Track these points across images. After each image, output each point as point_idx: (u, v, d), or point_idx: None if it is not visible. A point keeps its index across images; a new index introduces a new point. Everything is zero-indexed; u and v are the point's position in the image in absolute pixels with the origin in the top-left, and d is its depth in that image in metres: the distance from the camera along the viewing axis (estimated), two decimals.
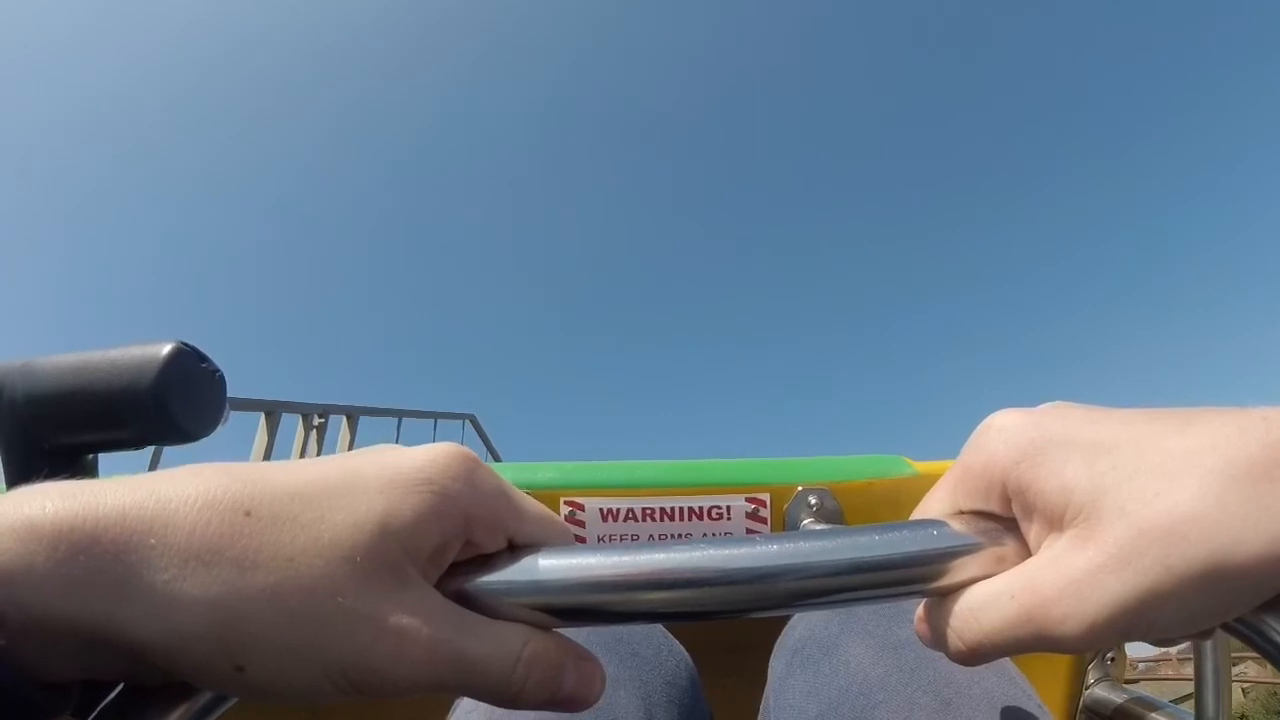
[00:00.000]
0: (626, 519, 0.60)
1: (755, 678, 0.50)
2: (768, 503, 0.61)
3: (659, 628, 0.47)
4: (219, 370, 0.36)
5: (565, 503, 0.59)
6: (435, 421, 6.33)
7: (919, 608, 0.27)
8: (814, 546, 0.24)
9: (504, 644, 0.23)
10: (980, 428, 0.26)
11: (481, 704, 0.38)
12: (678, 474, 0.62)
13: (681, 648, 0.48)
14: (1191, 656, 0.52)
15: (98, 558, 0.19)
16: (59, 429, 0.34)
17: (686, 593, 0.23)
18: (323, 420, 4.95)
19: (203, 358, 0.35)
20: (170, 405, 0.33)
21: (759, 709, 0.49)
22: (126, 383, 0.33)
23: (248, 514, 0.21)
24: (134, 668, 0.21)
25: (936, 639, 0.25)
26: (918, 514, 0.28)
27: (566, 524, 0.27)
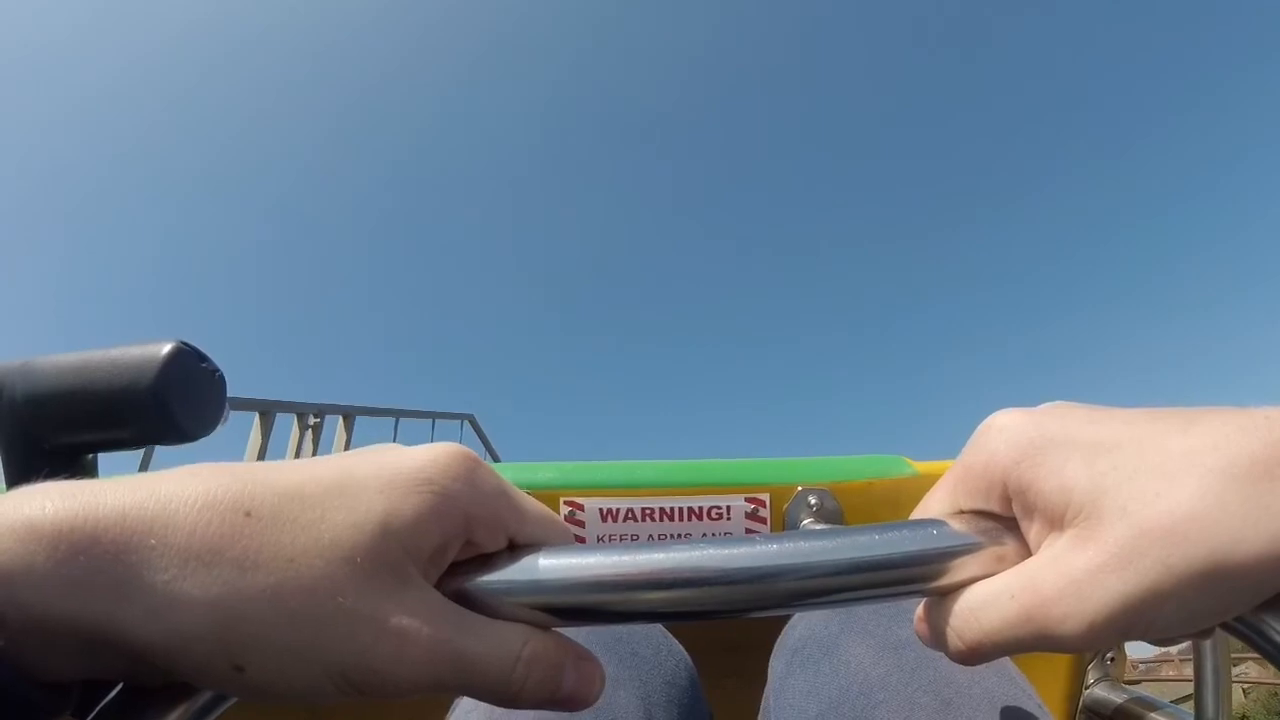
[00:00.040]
0: (626, 519, 0.60)
1: (755, 677, 0.50)
2: (767, 503, 0.61)
3: (658, 627, 0.48)
4: (219, 370, 0.36)
5: (565, 503, 0.59)
6: (433, 421, 6.29)
7: (919, 607, 0.27)
8: (814, 546, 0.24)
9: (504, 644, 0.23)
10: (981, 427, 0.26)
11: (481, 704, 0.38)
12: (677, 474, 0.62)
13: (681, 648, 0.48)
14: (1191, 657, 0.52)
15: (98, 558, 0.19)
16: (59, 429, 0.34)
17: (686, 592, 0.23)
18: (318, 420, 4.90)
19: (203, 357, 0.35)
20: (170, 405, 0.34)
21: (759, 709, 0.49)
22: (127, 382, 0.33)
23: (248, 514, 0.21)
24: (134, 668, 0.21)
25: (936, 639, 0.25)
26: (918, 514, 0.28)
27: (566, 524, 0.27)
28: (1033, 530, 0.24)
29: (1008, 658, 0.42)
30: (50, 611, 0.18)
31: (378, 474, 0.22)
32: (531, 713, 0.37)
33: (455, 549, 0.23)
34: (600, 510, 0.60)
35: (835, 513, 0.61)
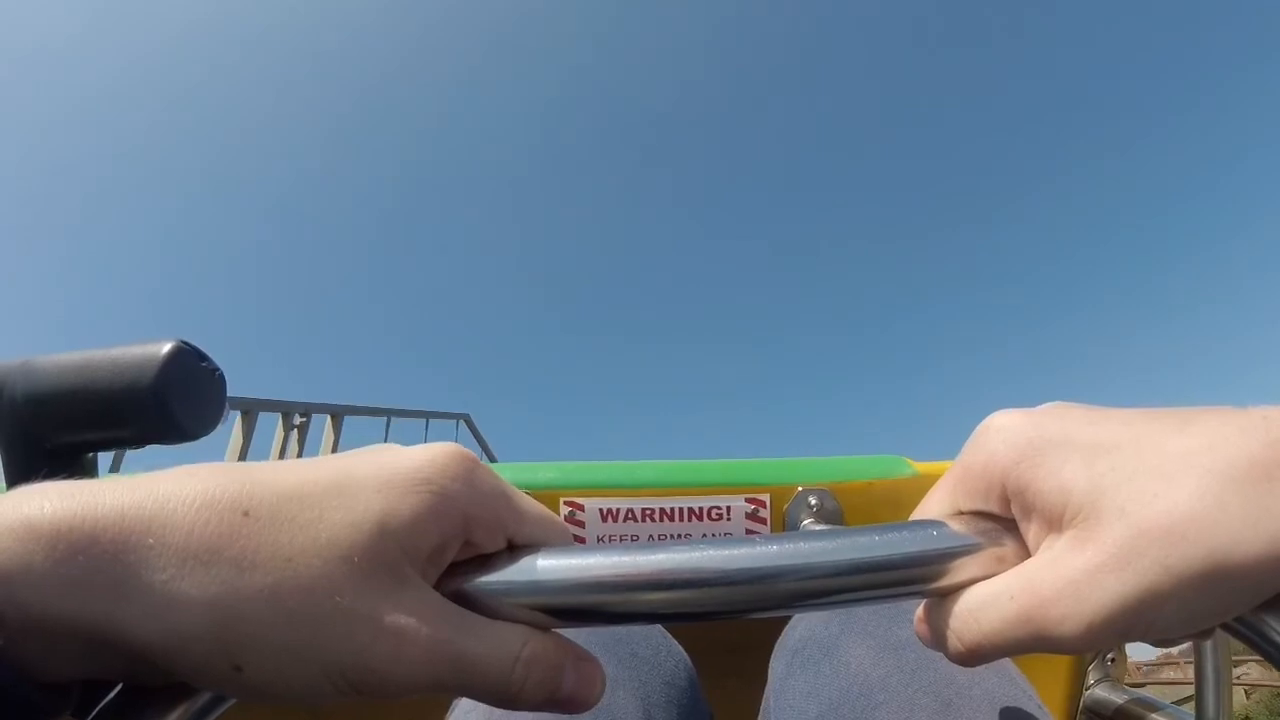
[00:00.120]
0: (626, 519, 0.60)
1: (755, 678, 0.50)
2: (767, 503, 0.61)
3: (658, 628, 0.47)
4: (219, 369, 0.36)
5: (565, 503, 0.59)
6: (427, 421, 6.18)
7: (919, 608, 0.27)
8: (814, 547, 0.24)
9: (503, 644, 0.23)
10: (979, 428, 0.26)
11: (480, 704, 0.38)
12: (677, 474, 0.62)
13: (681, 648, 0.48)
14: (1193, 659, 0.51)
15: (96, 558, 0.19)
16: (59, 428, 0.34)
17: (686, 593, 0.23)
18: (304, 420, 4.78)
19: (203, 357, 0.35)
20: (171, 404, 0.34)
21: (759, 710, 0.49)
22: (127, 382, 0.33)
23: (246, 514, 0.21)
24: (133, 668, 0.21)
25: (936, 639, 0.25)
26: (917, 514, 0.28)
27: (566, 524, 0.27)
28: (1032, 531, 0.24)
29: (1008, 659, 0.42)
30: (49, 611, 0.18)
31: (376, 474, 0.22)
32: (530, 714, 0.37)
33: (454, 549, 0.23)
34: (600, 510, 0.60)
35: (835, 513, 0.61)
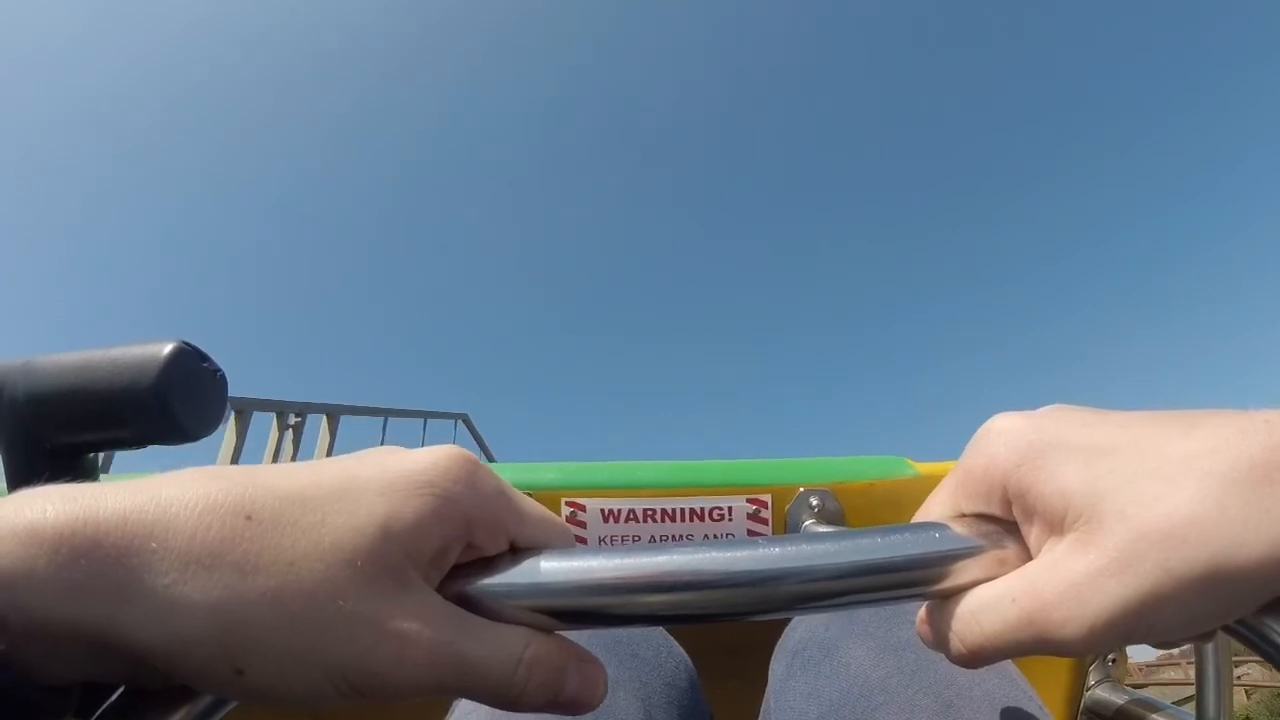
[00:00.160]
0: (628, 520, 0.60)
1: (756, 679, 0.50)
2: (769, 504, 0.61)
3: (659, 630, 0.47)
4: (220, 369, 0.36)
5: (566, 504, 0.59)
6: (425, 421, 6.10)
7: (921, 610, 0.27)
8: (816, 549, 0.24)
9: (505, 646, 0.23)
10: (980, 431, 0.26)
11: (481, 706, 0.38)
12: (679, 475, 0.62)
13: (681, 649, 0.48)
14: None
15: (99, 561, 0.19)
16: (60, 428, 0.34)
17: (688, 595, 0.23)
18: (299, 419, 4.70)
19: (204, 357, 0.35)
20: (172, 404, 0.33)
21: (759, 711, 0.49)
22: (128, 382, 0.33)
23: (248, 518, 0.21)
24: (135, 671, 0.21)
25: (938, 641, 0.25)
26: (919, 517, 0.28)
27: (568, 526, 0.27)
28: (1033, 533, 0.24)
29: (1009, 660, 0.42)
30: (52, 615, 0.18)
31: (378, 477, 0.22)
32: (530, 715, 0.38)
33: (456, 552, 0.23)
34: (602, 511, 0.60)
35: (837, 514, 0.61)
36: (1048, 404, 0.27)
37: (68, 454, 0.35)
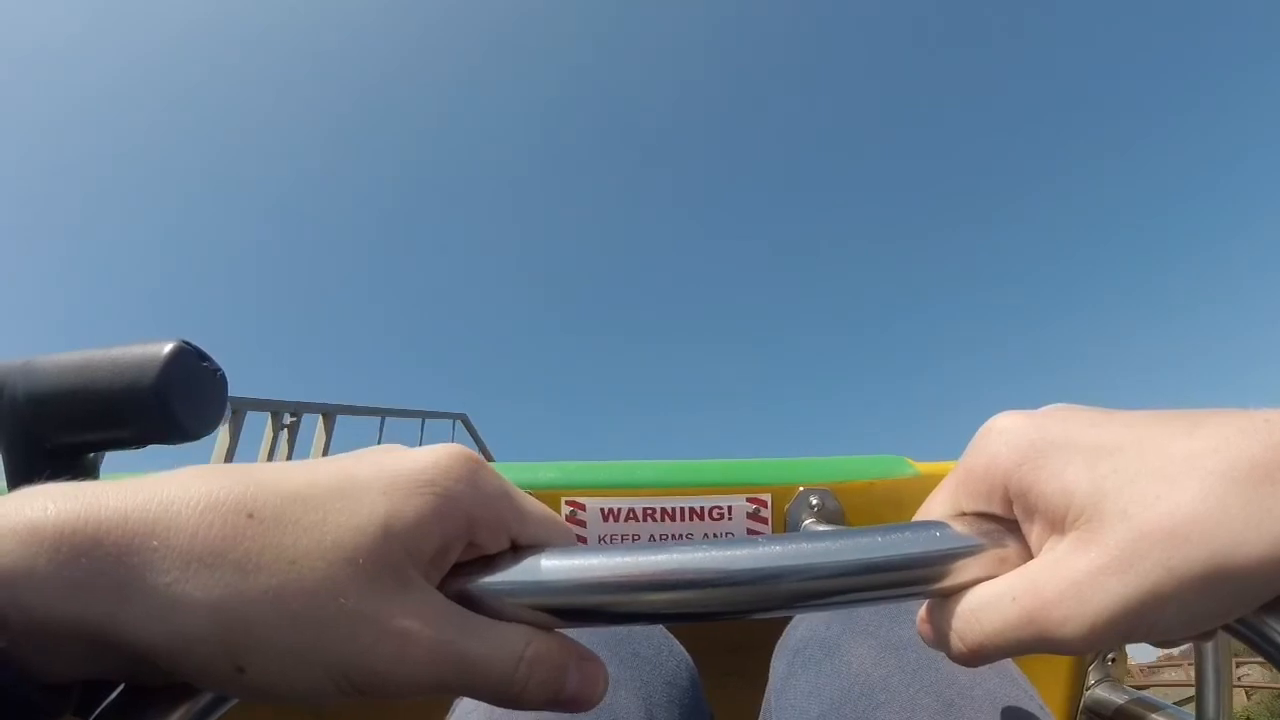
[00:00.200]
0: (628, 519, 0.60)
1: (756, 678, 0.50)
2: (769, 503, 0.61)
3: (660, 628, 0.48)
4: (220, 369, 0.36)
5: (567, 503, 0.60)
6: (423, 421, 6.06)
7: (921, 608, 0.27)
8: (816, 548, 0.24)
9: (506, 644, 0.23)
10: (982, 430, 0.26)
11: (481, 704, 0.38)
12: (679, 474, 0.62)
13: (682, 648, 0.48)
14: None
15: (100, 560, 0.19)
16: (60, 428, 0.34)
17: (689, 594, 0.23)
18: (295, 419, 4.64)
19: (204, 356, 0.35)
20: (172, 404, 0.33)
21: (760, 710, 0.49)
22: (128, 381, 0.33)
23: (250, 516, 0.21)
24: (135, 669, 0.21)
25: (938, 639, 0.25)
26: (920, 515, 0.28)
27: (568, 524, 0.27)
28: (1034, 532, 0.24)
29: (1010, 659, 0.42)
30: (53, 613, 0.18)
31: (379, 476, 0.22)
32: (532, 714, 0.38)
33: (457, 550, 0.23)
34: (602, 510, 0.60)
35: (837, 513, 0.61)
36: (1048, 403, 0.27)
37: (68, 454, 0.35)
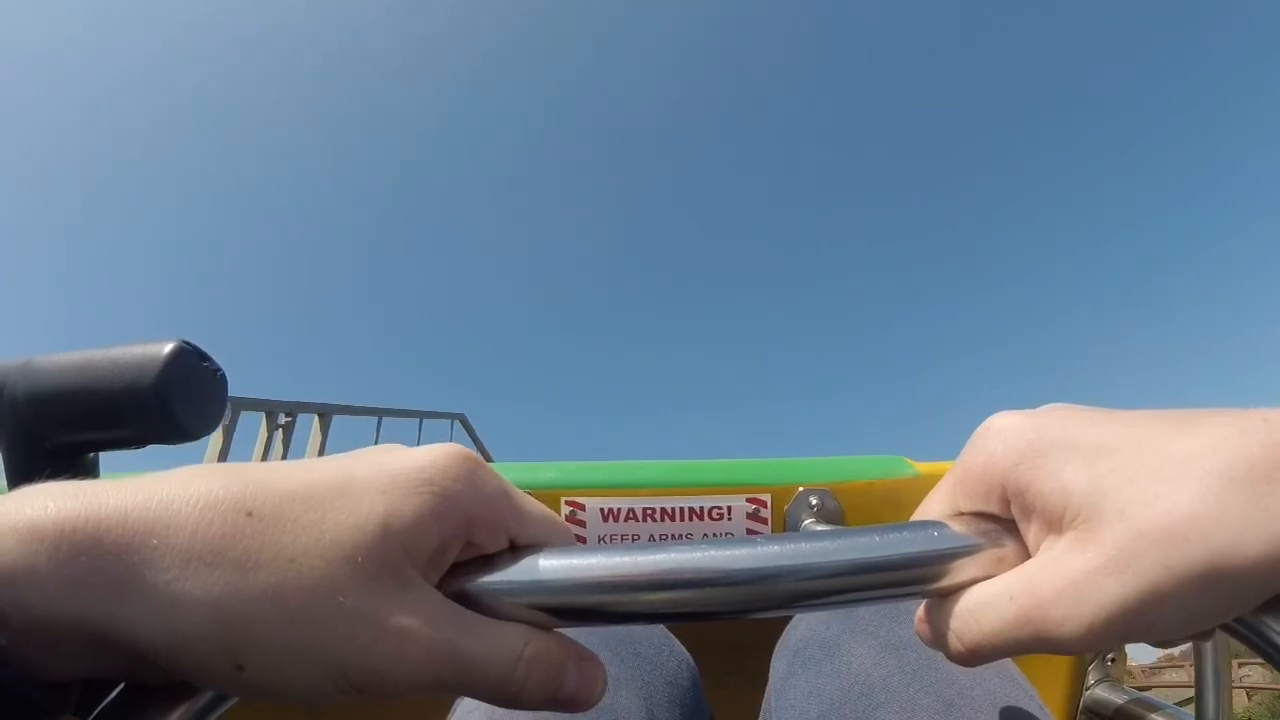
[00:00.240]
0: (627, 519, 0.60)
1: (756, 678, 0.50)
2: (768, 503, 0.61)
3: (660, 628, 0.48)
4: (220, 369, 0.36)
5: (566, 503, 0.60)
6: (420, 421, 6.01)
7: (920, 608, 0.27)
8: (815, 547, 0.24)
9: (505, 644, 0.23)
10: (980, 429, 0.26)
11: (482, 704, 0.38)
12: (678, 474, 0.62)
13: (683, 648, 0.48)
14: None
15: (100, 558, 0.19)
16: (61, 428, 0.34)
17: (688, 593, 0.23)
18: (290, 419, 4.58)
19: (204, 356, 0.36)
20: (172, 404, 0.34)
21: (760, 710, 0.49)
22: (128, 381, 0.33)
23: (249, 515, 0.21)
24: (135, 667, 0.21)
25: (936, 639, 0.25)
26: (918, 515, 0.28)
27: (567, 524, 0.27)
28: (1032, 532, 0.24)
29: (1009, 659, 0.42)
30: (53, 612, 0.18)
31: (378, 475, 0.22)
32: (531, 713, 0.38)
33: (456, 550, 0.23)
34: (601, 510, 0.60)
35: (836, 513, 0.61)
36: (1047, 403, 0.27)
37: (68, 453, 0.35)
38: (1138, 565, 0.20)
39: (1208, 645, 0.50)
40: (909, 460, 0.65)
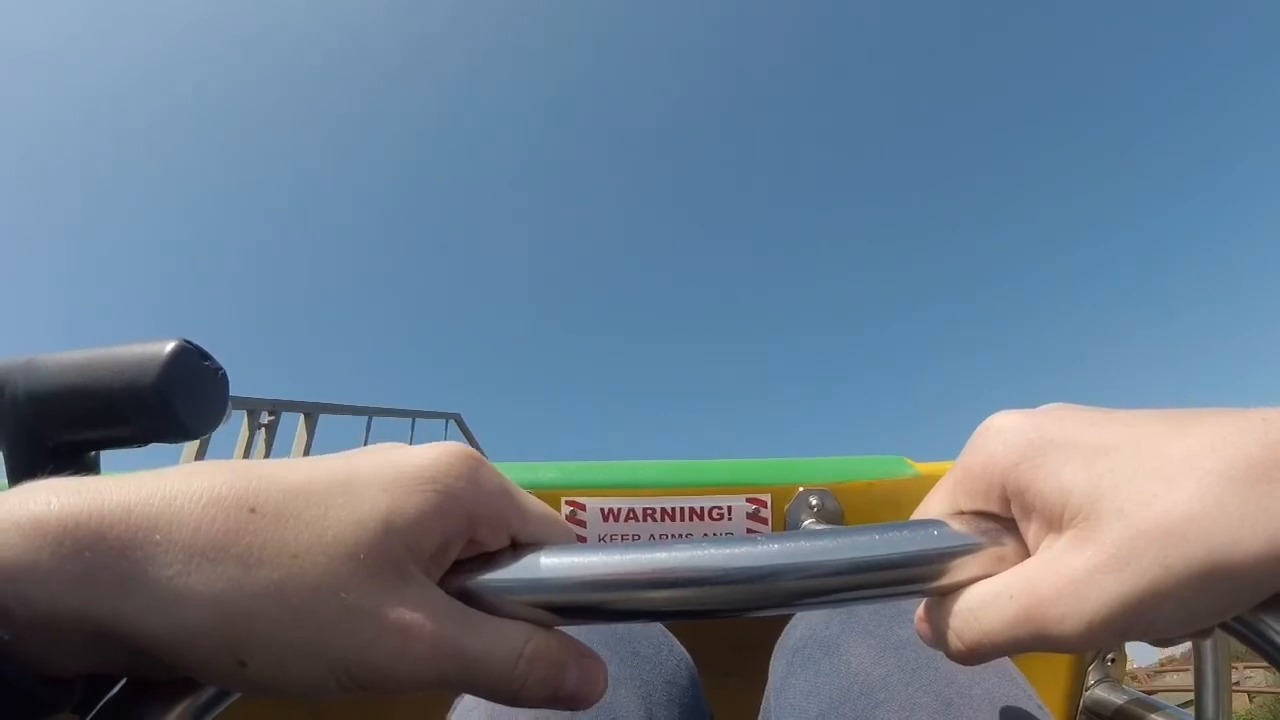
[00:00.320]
0: (628, 519, 0.60)
1: (756, 677, 0.50)
2: (769, 503, 0.61)
3: (659, 627, 0.48)
4: (221, 368, 0.37)
5: (567, 502, 0.60)
6: (413, 421, 5.89)
7: (919, 607, 0.27)
8: (814, 546, 0.24)
9: (506, 641, 0.23)
10: (980, 429, 0.26)
11: (482, 702, 0.38)
12: (679, 474, 0.62)
13: (682, 647, 0.48)
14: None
15: (103, 553, 0.19)
16: (62, 426, 0.34)
17: (687, 591, 0.24)
18: (273, 418, 4.45)
19: (205, 355, 0.36)
20: (173, 402, 0.34)
21: (760, 709, 0.49)
22: (129, 380, 0.33)
23: (252, 511, 0.21)
24: (138, 662, 0.21)
25: (936, 638, 0.26)
26: (918, 514, 0.28)
27: (570, 524, 0.27)
28: (1031, 531, 0.24)
29: (1008, 658, 0.42)
30: (56, 607, 0.19)
31: (381, 472, 0.23)
32: (532, 711, 0.38)
33: (458, 547, 0.24)
34: (602, 510, 0.60)
35: (836, 513, 0.61)
36: (1047, 403, 0.27)
37: (69, 452, 0.35)
38: (1137, 564, 0.20)
39: (1207, 645, 0.50)
40: (909, 460, 0.65)
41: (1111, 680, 0.65)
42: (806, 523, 0.60)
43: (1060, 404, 0.26)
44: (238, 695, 0.23)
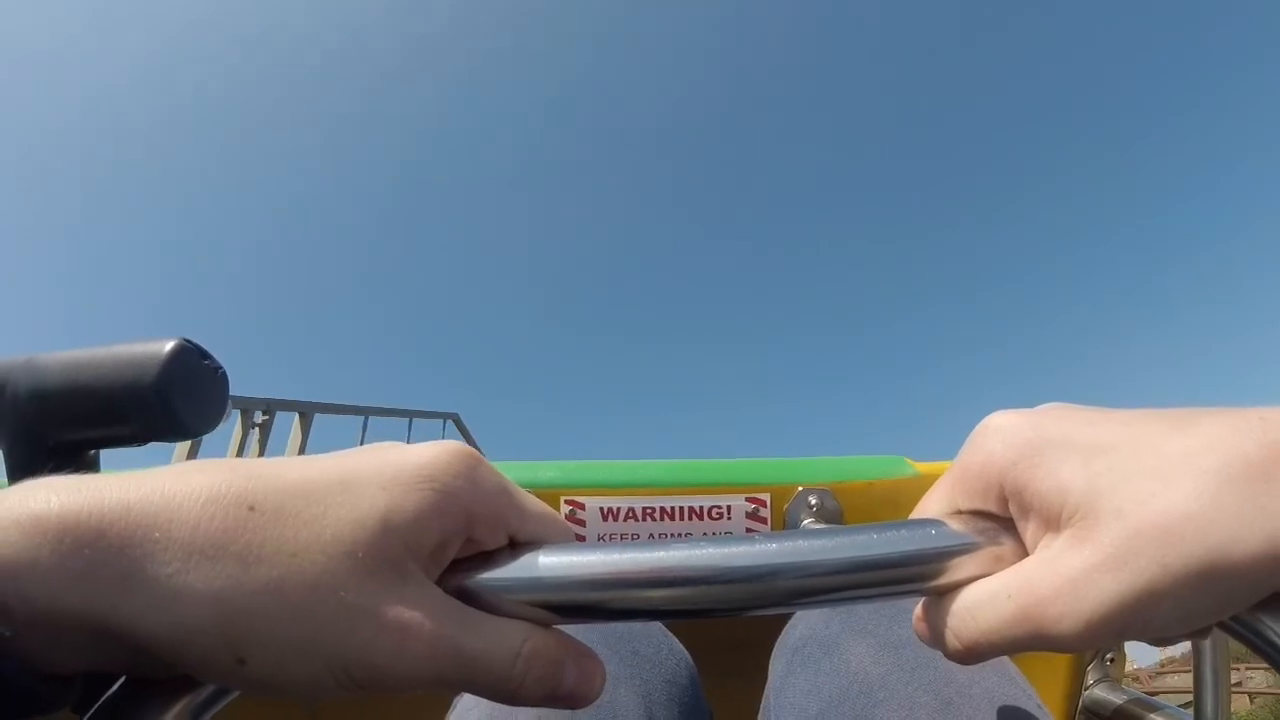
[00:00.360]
0: (627, 518, 0.60)
1: (755, 676, 0.50)
2: (768, 503, 0.61)
3: (659, 626, 0.48)
4: (221, 367, 0.37)
5: (566, 501, 0.60)
6: (410, 421, 5.90)
7: (918, 607, 0.27)
8: (813, 545, 0.24)
9: (504, 640, 0.23)
10: (978, 428, 0.26)
11: (481, 701, 0.38)
12: (678, 474, 0.62)
13: (682, 646, 0.48)
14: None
15: (102, 551, 0.19)
16: (62, 425, 0.34)
17: (686, 590, 0.24)
18: (267, 417, 4.45)
19: (205, 355, 0.36)
20: (173, 401, 0.34)
21: (759, 708, 0.49)
22: (130, 379, 0.33)
23: (251, 509, 0.21)
24: (137, 660, 0.21)
25: (934, 637, 0.26)
26: (916, 513, 0.28)
27: (569, 523, 0.27)
28: (1029, 530, 0.24)
29: (1008, 658, 0.42)
30: (55, 604, 0.19)
31: (380, 471, 0.23)
32: (531, 710, 0.38)
33: (456, 546, 0.24)
34: (601, 509, 0.60)
35: (835, 513, 0.61)
36: (1046, 403, 0.27)
37: (70, 451, 0.35)
38: (1134, 563, 0.20)
39: (1206, 644, 0.50)
40: (908, 460, 0.65)
41: (1110, 680, 0.65)
42: (806, 522, 0.60)
43: (1058, 403, 0.26)
44: (236, 693, 0.23)
